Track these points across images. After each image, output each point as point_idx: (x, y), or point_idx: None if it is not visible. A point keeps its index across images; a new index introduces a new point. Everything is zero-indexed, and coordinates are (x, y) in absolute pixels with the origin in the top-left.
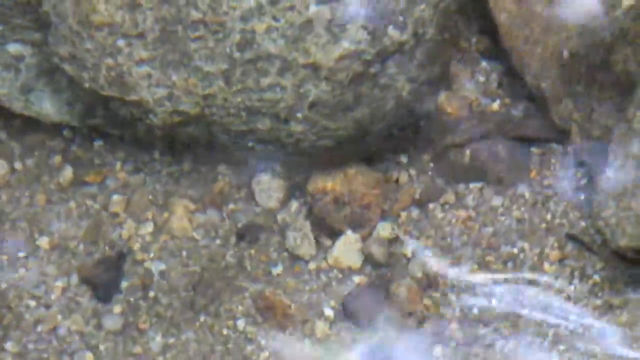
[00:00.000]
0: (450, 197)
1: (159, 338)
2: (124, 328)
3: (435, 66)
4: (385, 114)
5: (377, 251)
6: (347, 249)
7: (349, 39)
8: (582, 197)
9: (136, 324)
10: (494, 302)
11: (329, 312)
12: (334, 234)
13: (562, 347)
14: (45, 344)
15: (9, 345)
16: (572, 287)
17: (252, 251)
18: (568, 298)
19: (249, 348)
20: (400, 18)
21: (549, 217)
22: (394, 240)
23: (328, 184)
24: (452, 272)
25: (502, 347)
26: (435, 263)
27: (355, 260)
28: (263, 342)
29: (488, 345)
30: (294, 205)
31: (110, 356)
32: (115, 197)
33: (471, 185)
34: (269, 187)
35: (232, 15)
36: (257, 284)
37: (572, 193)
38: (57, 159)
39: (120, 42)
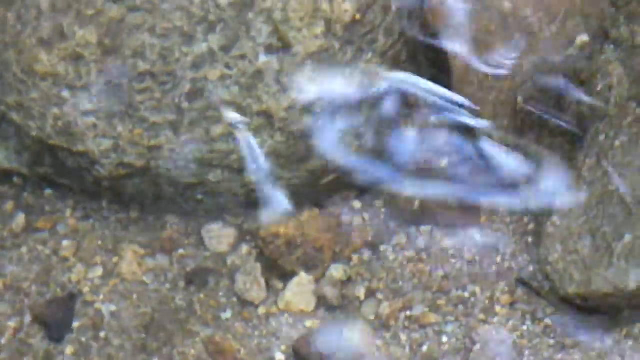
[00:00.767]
0: (401, 239)
1: None
2: None
3: (384, 113)
4: (337, 166)
5: (331, 293)
6: (300, 290)
7: (297, 90)
8: (530, 241)
9: None
10: (444, 339)
11: (279, 357)
12: (286, 276)
13: None
14: None
15: None
16: (524, 328)
17: (202, 295)
18: (521, 336)
19: None
20: (348, 69)
21: (499, 260)
22: (347, 282)
23: (281, 229)
24: (404, 314)
25: None
26: (387, 305)
27: (308, 303)
28: None
29: None
30: (245, 248)
31: None
32: (66, 243)
33: (422, 228)
34: (219, 234)
35: (184, 63)
36: (207, 328)
37: (521, 237)
38: (10, 205)
39: (65, 93)
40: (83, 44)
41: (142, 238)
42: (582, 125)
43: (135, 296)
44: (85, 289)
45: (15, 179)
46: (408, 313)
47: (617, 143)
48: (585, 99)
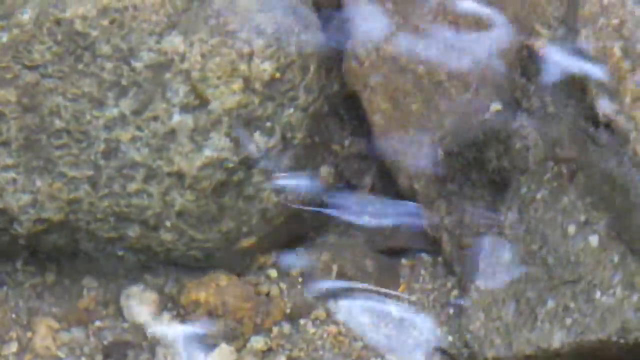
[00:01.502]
0: (321, 313)
1: None
2: None
3: (304, 173)
4: (251, 228)
5: None
6: None
7: (211, 147)
8: (451, 310)
9: None
10: None
11: None
12: (208, 347)
13: None
14: None
15: None
16: None
17: None
18: None
19: None
20: (267, 123)
21: (416, 333)
22: (268, 352)
23: (201, 295)
24: None
25: None
26: None
27: None
28: None
29: None
30: (166, 317)
31: None
32: None
33: (340, 302)
34: (139, 300)
35: (96, 125)
36: None
37: (441, 306)
38: None
39: None
40: (4, 102)
41: (57, 308)
42: (503, 178)
43: None
44: None
45: None
46: None
47: (538, 196)
48: (506, 154)
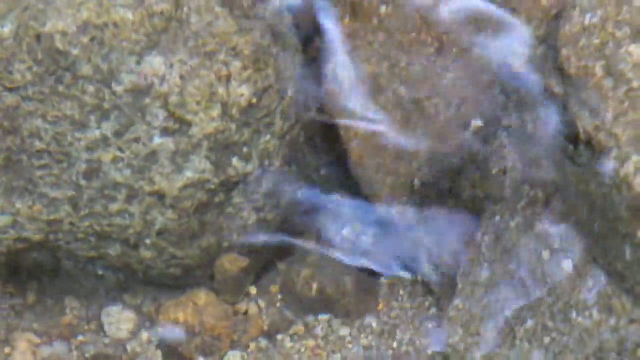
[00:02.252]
0: (299, 328)
1: None
2: None
3: (283, 196)
4: (232, 243)
5: None
6: None
7: (192, 169)
8: (430, 325)
9: None
10: None
11: None
12: None
13: None
14: None
15: None
16: None
17: None
18: None
19: None
20: (245, 149)
21: (395, 345)
22: None
23: (180, 315)
24: None
25: None
26: None
27: None
28: None
29: None
30: (145, 335)
31: None
32: None
33: (320, 317)
34: (118, 318)
35: (77, 147)
36: None
37: (420, 322)
38: None
39: None
40: None
41: (39, 325)
42: (478, 207)
43: None
44: None
45: None
46: None
47: (512, 224)
48: (480, 182)
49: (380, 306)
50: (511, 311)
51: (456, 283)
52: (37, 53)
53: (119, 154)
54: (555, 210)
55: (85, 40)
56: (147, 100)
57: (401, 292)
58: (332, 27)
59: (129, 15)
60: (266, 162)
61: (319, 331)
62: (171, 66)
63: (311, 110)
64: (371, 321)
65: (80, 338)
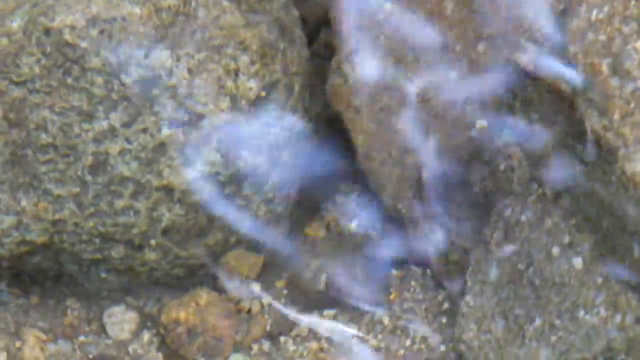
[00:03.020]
0: (302, 329)
1: None
2: None
3: (292, 188)
4: (240, 237)
5: None
6: None
7: (202, 161)
8: (444, 320)
9: None
10: None
11: None
12: None
13: None
14: None
15: None
16: None
17: None
18: None
19: None
20: (254, 141)
21: (408, 342)
22: None
23: (181, 314)
24: None
25: None
26: None
27: None
28: None
29: None
30: (146, 336)
31: None
32: None
33: (325, 313)
34: (120, 319)
35: (84, 138)
36: None
37: (433, 316)
38: None
39: None
40: None
41: (43, 323)
42: (488, 200)
43: None
44: None
45: None
46: None
47: (522, 218)
48: (489, 176)
49: (393, 296)
50: (520, 310)
51: (466, 280)
52: (46, 46)
53: (126, 145)
54: (564, 206)
55: (94, 33)
56: (156, 91)
57: (413, 283)
58: (338, 21)
59: (137, 10)
60: (275, 154)
61: (324, 330)
62: (178, 59)
63: (318, 105)
64: (382, 315)
65: (82, 338)
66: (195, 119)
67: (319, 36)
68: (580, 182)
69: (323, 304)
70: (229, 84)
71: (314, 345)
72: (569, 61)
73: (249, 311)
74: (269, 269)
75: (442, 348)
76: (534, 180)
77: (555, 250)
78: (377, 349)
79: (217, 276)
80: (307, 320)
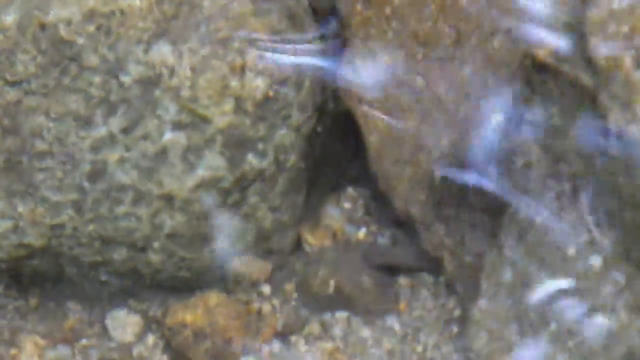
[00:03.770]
0: (314, 328)
1: None
2: None
3: (299, 194)
4: (246, 245)
5: None
6: None
7: (205, 166)
8: (455, 329)
9: None
10: None
11: None
12: None
13: None
14: None
15: None
16: None
17: None
18: None
19: None
20: (260, 145)
21: (420, 349)
22: None
23: (187, 316)
24: None
25: None
26: None
27: None
28: None
29: None
30: (151, 338)
31: None
32: None
33: (337, 315)
34: (124, 322)
35: (81, 146)
36: None
37: (444, 325)
38: None
39: None
40: None
41: (42, 327)
42: (502, 201)
43: None
44: None
45: None
46: None
47: (537, 220)
48: (505, 176)
49: (402, 306)
50: (535, 313)
51: (480, 283)
52: (41, 42)
53: (125, 153)
54: (583, 204)
55: (91, 28)
56: (157, 93)
57: (423, 291)
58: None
59: (136, 2)
60: (282, 158)
61: (337, 331)
62: (180, 55)
63: (328, 101)
64: (393, 322)
65: (84, 342)
66: (198, 122)
67: (331, 26)
68: (602, 176)
69: (334, 307)
70: (234, 83)
71: (328, 345)
72: (590, 53)
73: (259, 312)
74: (277, 275)
75: (455, 357)
76: (551, 177)
77: (572, 251)
78: (390, 353)
79: (225, 278)
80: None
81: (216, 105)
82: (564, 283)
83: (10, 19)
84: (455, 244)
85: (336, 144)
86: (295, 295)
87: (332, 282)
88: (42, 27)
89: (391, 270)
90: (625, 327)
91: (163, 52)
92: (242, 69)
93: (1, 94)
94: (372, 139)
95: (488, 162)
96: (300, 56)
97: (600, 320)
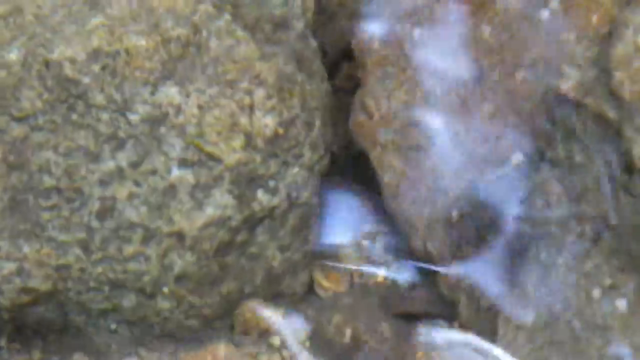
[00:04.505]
0: None
1: None
2: None
3: (310, 233)
4: (255, 288)
5: None
6: None
7: (213, 204)
8: None
9: None
10: None
11: None
12: None
13: None
14: None
15: None
16: None
17: None
18: None
19: None
20: (271, 182)
21: None
22: None
23: None
24: None
25: None
26: None
27: None
28: None
29: None
30: None
31: None
32: None
33: None
34: None
35: (90, 180)
36: None
37: None
38: None
39: None
40: None
41: None
42: (522, 241)
43: None
44: None
45: None
46: None
47: (560, 261)
48: (524, 216)
49: (419, 355)
50: (558, 356)
51: (497, 329)
52: (47, 80)
53: (134, 188)
54: (605, 246)
55: (96, 68)
56: (163, 130)
57: (440, 339)
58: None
59: (142, 42)
60: (294, 195)
61: None
62: (188, 95)
63: (341, 141)
64: None
65: None
66: (205, 159)
67: (341, 69)
68: (626, 217)
69: (350, 357)
70: (243, 120)
71: None
72: (614, 87)
73: None
74: (289, 321)
75: None
76: (572, 218)
77: (596, 293)
78: None
79: (234, 327)
80: None
81: (225, 142)
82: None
83: (14, 55)
84: (472, 286)
85: (351, 182)
86: (307, 344)
87: (348, 331)
88: (47, 64)
89: (410, 317)
90: None
91: (170, 93)
92: (251, 109)
93: (6, 130)
94: (388, 179)
95: (507, 202)
96: None
97: None
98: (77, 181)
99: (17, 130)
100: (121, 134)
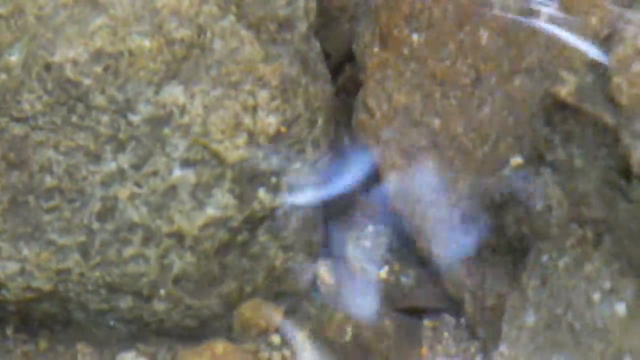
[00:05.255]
0: None
1: None
2: None
3: (314, 231)
4: (256, 287)
5: None
6: None
7: (214, 204)
8: None
9: None
10: None
11: None
12: None
13: None
14: None
15: None
16: None
17: None
18: None
19: None
20: (273, 179)
21: None
22: None
23: None
24: None
25: None
26: None
27: None
28: None
29: None
30: None
31: None
32: None
33: None
34: None
35: (92, 181)
36: None
37: None
38: None
39: None
40: None
41: None
42: (523, 244)
43: None
44: None
45: None
46: None
47: (560, 264)
48: (525, 218)
49: (424, 350)
50: (559, 357)
51: (501, 326)
52: (47, 82)
53: (136, 189)
54: (605, 250)
55: (98, 69)
56: (166, 130)
57: (445, 334)
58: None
59: (146, 43)
60: (296, 193)
61: None
62: (192, 96)
63: (343, 139)
64: None
65: None
66: (208, 157)
67: (344, 71)
68: (625, 222)
69: (350, 357)
70: (247, 120)
71: None
72: (612, 92)
73: None
74: (290, 320)
75: None
76: (573, 221)
77: (596, 296)
78: None
79: (232, 327)
80: None
81: (229, 140)
82: None
83: (14, 58)
84: (476, 285)
85: (352, 181)
86: (309, 342)
87: (349, 329)
88: (48, 67)
89: (414, 312)
90: None
91: (174, 93)
92: (254, 109)
93: (7, 130)
94: (388, 178)
95: (507, 204)
96: None
97: None
98: (78, 181)
99: (17, 129)
100: (122, 135)
